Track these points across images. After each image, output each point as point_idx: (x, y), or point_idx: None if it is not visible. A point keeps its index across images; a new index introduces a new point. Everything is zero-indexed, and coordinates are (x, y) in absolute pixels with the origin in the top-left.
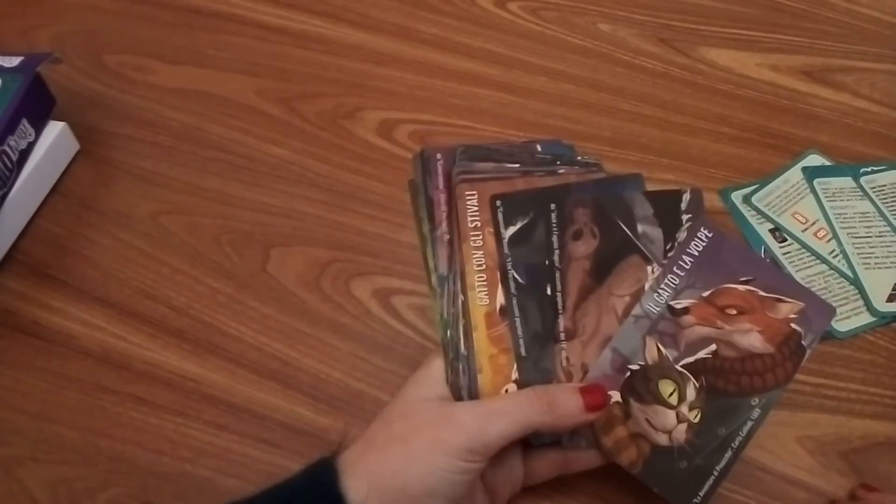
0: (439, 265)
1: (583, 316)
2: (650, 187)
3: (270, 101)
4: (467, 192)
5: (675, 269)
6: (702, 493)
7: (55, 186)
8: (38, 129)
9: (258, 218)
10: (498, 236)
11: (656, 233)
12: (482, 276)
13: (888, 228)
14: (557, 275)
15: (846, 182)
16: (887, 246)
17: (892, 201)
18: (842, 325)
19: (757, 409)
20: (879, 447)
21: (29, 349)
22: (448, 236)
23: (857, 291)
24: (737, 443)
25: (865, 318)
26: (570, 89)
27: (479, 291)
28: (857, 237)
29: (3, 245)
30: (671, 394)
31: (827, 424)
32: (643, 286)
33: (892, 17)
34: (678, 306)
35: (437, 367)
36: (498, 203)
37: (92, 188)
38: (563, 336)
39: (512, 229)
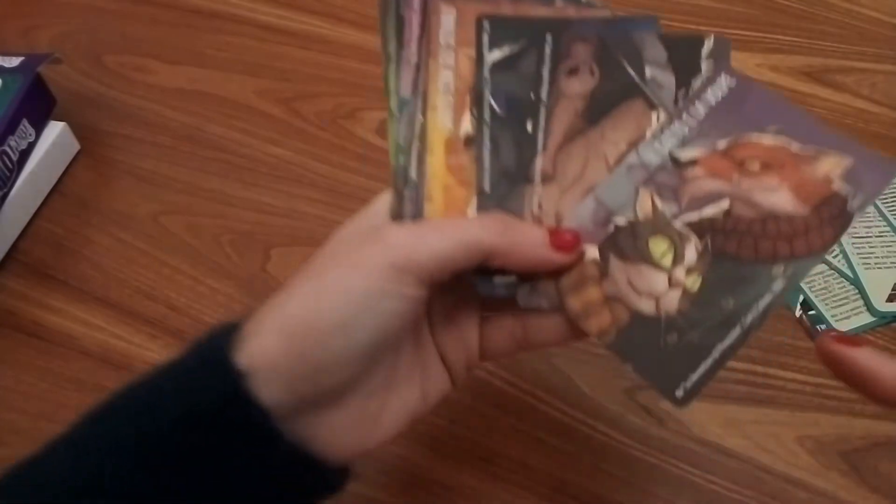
0: (402, 86)
1: (566, 159)
2: None
3: (270, 101)
4: (444, 7)
5: (684, 116)
6: (694, 377)
7: (55, 186)
8: (39, 129)
9: (258, 218)
10: (480, 59)
11: (667, 78)
12: (448, 98)
13: (888, 228)
14: (543, 110)
15: None
16: (887, 246)
17: (892, 201)
18: (842, 325)
19: (780, 280)
20: (880, 447)
21: (29, 349)
22: (416, 59)
23: (857, 291)
24: (748, 319)
25: (865, 318)
26: None
27: (442, 113)
28: (857, 237)
29: (3, 245)
30: (664, 254)
31: (827, 424)
32: (644, 135)
33: (892, 17)
34: (684, 157)
35: (380, 201)
36: (485, 23)
37: (92, 188)
38: (538, 178)
39: (497, 54)
